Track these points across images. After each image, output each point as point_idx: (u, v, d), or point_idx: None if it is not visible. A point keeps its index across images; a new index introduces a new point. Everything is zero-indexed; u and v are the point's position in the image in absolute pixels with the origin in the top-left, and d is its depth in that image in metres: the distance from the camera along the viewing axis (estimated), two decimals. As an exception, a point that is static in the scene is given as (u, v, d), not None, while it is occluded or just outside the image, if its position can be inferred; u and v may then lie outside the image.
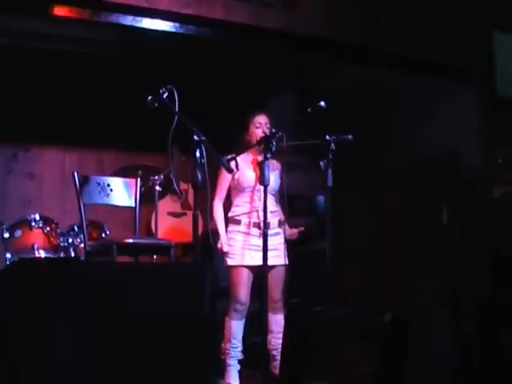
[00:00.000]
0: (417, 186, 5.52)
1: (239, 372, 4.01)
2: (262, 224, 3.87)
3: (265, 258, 3.60)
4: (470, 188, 5.07)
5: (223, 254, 3.99)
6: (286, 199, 4.14)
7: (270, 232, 3.90)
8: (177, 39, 4.36)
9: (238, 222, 4.01)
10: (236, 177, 4.03)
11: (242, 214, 4.02)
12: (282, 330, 3.55)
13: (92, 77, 5.54)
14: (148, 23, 4.00)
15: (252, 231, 3.98)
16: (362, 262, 5.74)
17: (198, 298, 2.74)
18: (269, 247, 3.80)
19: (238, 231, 4.00)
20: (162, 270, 2.93)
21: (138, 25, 3.98)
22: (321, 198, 5.79)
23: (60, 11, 3.79)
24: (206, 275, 2.83)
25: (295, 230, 4.17)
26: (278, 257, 4.00)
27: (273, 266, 3.97)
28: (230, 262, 3.98)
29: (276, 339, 3.91)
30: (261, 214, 3.88)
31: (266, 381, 3.84)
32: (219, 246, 3.97)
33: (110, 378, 2.48)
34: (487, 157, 5.05)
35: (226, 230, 4.05)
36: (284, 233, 4.12)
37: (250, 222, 3.99)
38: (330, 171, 3.84)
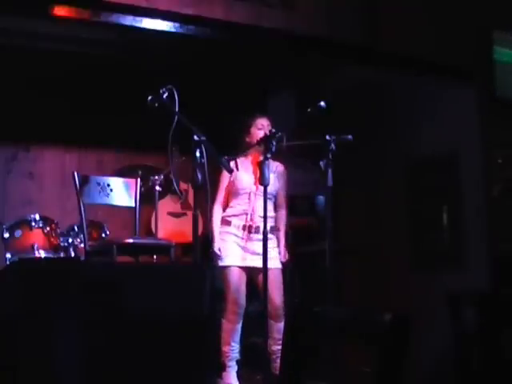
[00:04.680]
0: (417, 186, 5.52)
1: (237, 372, 4.02)
2: (253, 227, 3.96)
3: (265, 260, 3.60)
4: (470, 188, 5.07)
5: (217, 258, 3.99)
6: (287, 201, 4.16)
7: (257, 237, 3.92)
8: (177, 39, 4.35)
9: (229, 223, 4.05)
10: (231, 179, 4.07)
11: (233, 215, 4.05)
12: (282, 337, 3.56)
13: (92, 77, 5.54)
14: (148, 23, 3.99)
15: (242, 234, 4.01)
16: (362, 262, 5.74)
17: (197, 298, 2.74)
18: (256, 251, 3.88)
19: (227, 232, 4.03)
20: (162, 270, 2.93)
21: (138, 25, 3.97)
22: (321, 198, 5.79)
23: (60, 11, 3.78)
24: (206, 275, 2.84)
25: (285, 256, 4.13)
26: (270, 260, 3.94)
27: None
28: (222, 262, 3.98)
29: (276, 345, 3.89)
30: (252, 217, 3.96)
31: (266, 381, 3.85)
32: (215, 250, 3.98)
33: (109, 378, 2.48)
34: (487, 157, 5.05)
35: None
36: (278, 238, 4.11)
37: (238, 224, 4.02)
38: (330, 171, 3.83)
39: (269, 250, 3.95)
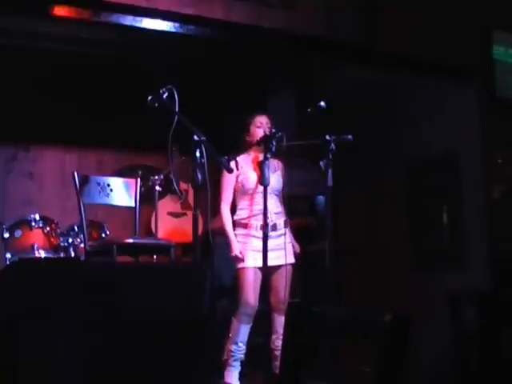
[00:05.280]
0: (417, 186, 5.52)
1: (239, 372, 4.01)
2: (269, 225, 3.88)
3: (265, 259, 3.61)
4: (470, 188, 5.07)
5: (238, 260, 3.97)
6: (286, 200, 4.15)
7: (276, 233, 3.95)
8: (177, 39, 4.35)
9: (245, 226, 4.02)
10: (239, 179, 4.04)
11: (248, 217, 4.03)
12: None
13: (92, 77, 5.54)
14: (148, 23, 3.99)
15: (257, 233, 3.96)
16: (362, 262, 5.74)
17: (197, 297, 2.74)
18: (275, 247, 3.89)
19: (247, 235, 4.00)
20: (162, 270, 2.93)
21: (138, 25, 3.97)
22: (321, 198, 5.80)
23: (60, 11, 3.78)
24: (206, 275, 2.84)
25: (297, 248, 4.19)
26: (284, 256, 3.99)
27: (280, 266, 3.98)
28: (241, 264, 3.97)
29: (280, 340, 3.88)
30: (269, 215, 3.89)
31: (267, 380, 3.84)
32: (235, 254, 3.95)
33: (109, 378, 2.48)
34: (487, 157, 5.05)
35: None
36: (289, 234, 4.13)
37: (255, 225, 3.99)
38: (330, 171, 3.83)
39: (283, 245, 4.01)
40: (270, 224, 3.89)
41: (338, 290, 4.19)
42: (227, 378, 3.95)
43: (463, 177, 5.13)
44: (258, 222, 3.98)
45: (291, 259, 4.07)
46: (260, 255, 3.85)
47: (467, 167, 5.10)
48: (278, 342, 3.93)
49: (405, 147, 5.58)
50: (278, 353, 3.90)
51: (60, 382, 2.39)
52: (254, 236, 3.99)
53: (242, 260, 3.95)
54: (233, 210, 4.13)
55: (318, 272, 4.39)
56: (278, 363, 3.86)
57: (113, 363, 2.47)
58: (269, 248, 3.80)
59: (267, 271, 3.84)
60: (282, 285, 3.99)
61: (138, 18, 3.96)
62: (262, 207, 3.90)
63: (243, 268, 3.96)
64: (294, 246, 4.15)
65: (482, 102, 5.04)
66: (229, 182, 4.06)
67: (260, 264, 3.89)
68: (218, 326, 3.95)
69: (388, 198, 5.73)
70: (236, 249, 3.96)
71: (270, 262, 3.76)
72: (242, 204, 4.08)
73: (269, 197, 3.76)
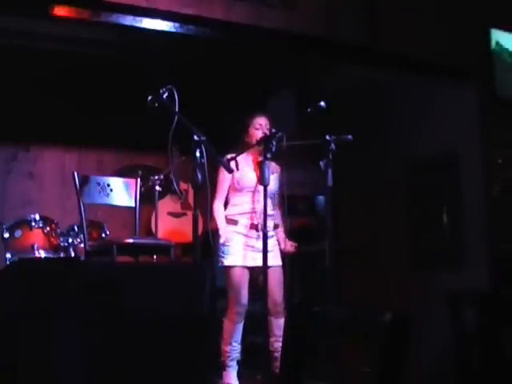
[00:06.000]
0: (417, 185, 5.52)
1: (237, 372, 4.01)
2: (260, 226, 3.88)
3: (265, 259, 3.61)
4: (470, 188, 5.07)
5: (223, 251, 3.92)
6: (286, 201, 4.14)
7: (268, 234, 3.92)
8: (177, 39, 4.35)
9: (235, 223, 3.99)
10: (236, 176, 4.00)
11: (240, 214, 4.00)
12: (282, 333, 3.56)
13: (92, 77, 5.54)
14: (148, 23, 3.99)
15: (250, 233, 3.96)
16: (362, 262, 5.74)
17: (197, 297, 2.74)
18: (269, 248, 3.83)
19: (236, 231, 3.98)
20: (162, 270, 2.93)
21: (138, 25, 3.98)
22: (321, 198, 5.79)
23: (60, 11, 3.79)
24: (206, 275, 2.84)
25: (292, 245, 4.14)
26: (273, 258, 3.99)
27: (269, 267, 3.98)
28: (227, 262, 3.94)
29: (278, 342, 3.88)
30: (259, 215, 3.90)
31: (266, 381, 3.84)
32: (221, 241, 3.89)
33: (109, 378, 2.48)
34: (487, 157, 5.05)
35: None
36: (277, 236, 4.12)
37: (248, 223, 3.98)
38: (330, 171, 3.84)
39: (272, 247, 3.99)
40: (261, 224, 3.88)
41: (338, 290, 4.19)
42: (226, 379, 3.95)
43: (463, 177, 5.13)
44: (249, 220, 3.98)
45: (280, 261, 4.06)
46: (253, 254, 3.89)
47: (467, 167, 5.10)
48: (276, 344, 3.92)
49: (404, 147, 5.58)
50: (277, 354, 3.90)
51: (60, 381, 2.39)
52: (246, 235, 3.97)
53: (228, 249, 3.91)
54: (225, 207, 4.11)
55: (317, 272, 4.39)
56: (277, 364, 3.87)
57: (113, 363, 2.47)
58: (260, 248, 3.80)
59: (259, 272, 3.85)
60: (274, 285, 3.96)
61: (138, 18, 3.96)
62: (257, 207, 3.94)
63: (235, 266, 3.94)
64: (284, 248, 4.10)
65: (482, 101, 5.04)
66: (225, 179, 4.01)
67: (252, 263, 3.91)
68: (217, 325, 3.95)
69: (388, 198, 5.73)
70: (221, 238, 3.89)
71: (260, 262, 3.76)
72: (236, 201, 4.04)
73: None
